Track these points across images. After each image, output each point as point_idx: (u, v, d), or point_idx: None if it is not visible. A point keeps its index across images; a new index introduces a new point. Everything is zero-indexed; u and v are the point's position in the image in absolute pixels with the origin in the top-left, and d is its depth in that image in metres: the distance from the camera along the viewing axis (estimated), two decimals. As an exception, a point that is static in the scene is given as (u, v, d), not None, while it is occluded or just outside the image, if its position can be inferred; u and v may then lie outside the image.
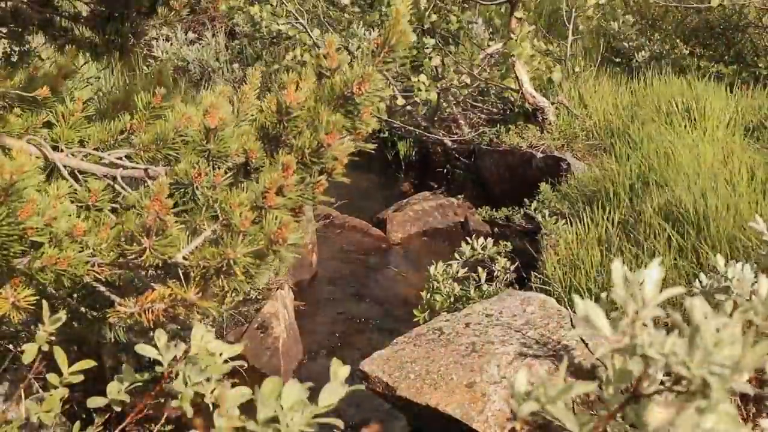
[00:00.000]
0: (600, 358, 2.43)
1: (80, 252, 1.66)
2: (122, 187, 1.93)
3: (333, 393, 1.04)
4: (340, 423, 1.03)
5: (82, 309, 2.00)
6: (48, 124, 2.14)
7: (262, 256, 1.67)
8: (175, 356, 1.36)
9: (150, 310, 1.72)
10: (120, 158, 1.99)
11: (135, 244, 1.66)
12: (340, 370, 1.05)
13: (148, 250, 1.64)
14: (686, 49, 6.40)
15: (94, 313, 1.98)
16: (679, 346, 0.74)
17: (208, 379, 1.30)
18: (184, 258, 1.71)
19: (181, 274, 1.76)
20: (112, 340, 1.98)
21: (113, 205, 1.92)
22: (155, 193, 1.64)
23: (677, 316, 0.78)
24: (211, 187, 1.75)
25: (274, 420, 1.01)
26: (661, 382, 0.81)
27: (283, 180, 1.67)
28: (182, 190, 1.77)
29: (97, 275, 1.74)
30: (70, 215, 1.68)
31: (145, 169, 1.94)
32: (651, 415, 0.71)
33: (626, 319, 0.81)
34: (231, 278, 1.69)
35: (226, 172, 1.78)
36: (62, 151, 2.01)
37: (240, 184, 1.83)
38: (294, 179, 1.71)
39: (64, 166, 1.94)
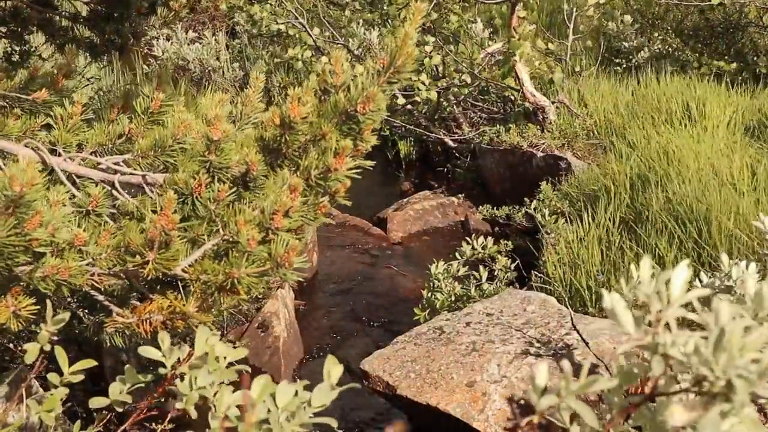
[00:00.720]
0: (600, 357, 2.43)
1: (80, 261, 1.66)
2: (120, 193, 1.93)
3: (325, 393, 1.03)
4: (333, 422, 1.03)
5: (80, 313, 2.00)
6: (46, 127, 2.14)
7: (266, 275, 1.69)
8: (179, 358, 1.36)
9: (148, 321, 1.72)
10: (117, 163, 2.00)
11: (138, 256, 1.66)
12: (333, 370, 1.04)
13: (151, 263, 1.64)
14: (686, 49, 6.40)
15: (92, 317, 1.98)
16: (704, 346, 0.74)
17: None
18: (183, 270, 1.71)
19: (180, 287, 1.77)
20: (107, 344, 1.98)
21: (111, 210, 1.92)
22: (163, 207, 1.64)
23: (708, 317, 0.77)
24: (214, 201, 1.76)
25: (268, 419, 1.01)
26: (676, 380, 0.80)
27: (291, 202, 1.68)
28: (182, 200, 1.78)
29: (96, 284, 1.74)
30: (70, 221, 1.68)
31: (143, 176, 1.94)
32: (671, 415, 0.70)
33: (649, 317, 0.80)
34: (233, 296, 1.70)
35: (230, 187, 1.79)
36: (60, 154, 2.01)
37: (241, 197, 1.83)
38: (299, 201, 1.73)
39: (62, 171, 1.94)
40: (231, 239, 1.71)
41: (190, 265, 1.71)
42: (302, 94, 1.78)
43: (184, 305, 1.70)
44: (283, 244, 1.64)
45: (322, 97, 1.83)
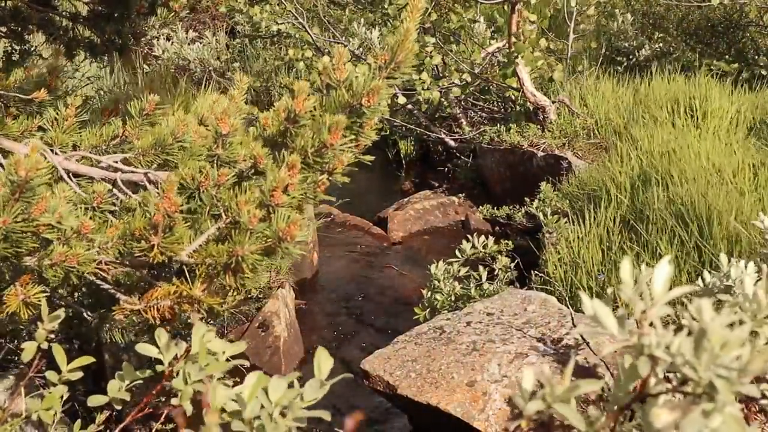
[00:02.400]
0: (601, 357, 2.42)
1: (88, 250, 1.68)
2: (121, 191, 1.94)
3: (317, 387, 1.03)
4: (327, 415, 1.02)
5: (82, 310, 2.01)
6: (41, 128, 2.17)
7: (269, 252, 1.70)
8: (176, 355, 1.36)
9: (155, 306, 1.74)
10: (117, 162, 2.01)
11: (143, 241, 1.68)
12: (323, 363, 1.04)
13: (156, 247, 1.66)
14: (687, 48, 6.40)
15: (91, 313, 1.99)
16: (686, 347, 0.73)
17: (210, 377, 1.30)
18: (188, 256, 1.73)
19: (186, 272, 1.78)
20: (109, 341, 1.99)
21: (113, 208, 1.93)
22: (165, 190, 1.66)
23: (689, 316, 0.77)
24: (215, 186, 1.78)
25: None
26: (667, 379, 0.80)
27: (289, 179, 1.70)
28: (188, 194, 1.80)
29: (103, 273, 1.75)
30: (77, 212, 1.70)
31: (145, 173, 1.96)
32: (656, 417, 0.70)
33: (633, 317, 0.80)
34: (238, 275, 1.71)
35: (236, 180, 1.81)
36: (58, 154, 2.02)
37: (242, 185, 1.85)
38: (298, 178, 1.74)
39: (64, 169, 1.95)
40: (233, 220, 1.73)
41: (195, 251, 1.73)
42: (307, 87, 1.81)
43: (190, 289, 1.72)
44: (284, 219, 1.67)
45: (325, 93, 1.85)
